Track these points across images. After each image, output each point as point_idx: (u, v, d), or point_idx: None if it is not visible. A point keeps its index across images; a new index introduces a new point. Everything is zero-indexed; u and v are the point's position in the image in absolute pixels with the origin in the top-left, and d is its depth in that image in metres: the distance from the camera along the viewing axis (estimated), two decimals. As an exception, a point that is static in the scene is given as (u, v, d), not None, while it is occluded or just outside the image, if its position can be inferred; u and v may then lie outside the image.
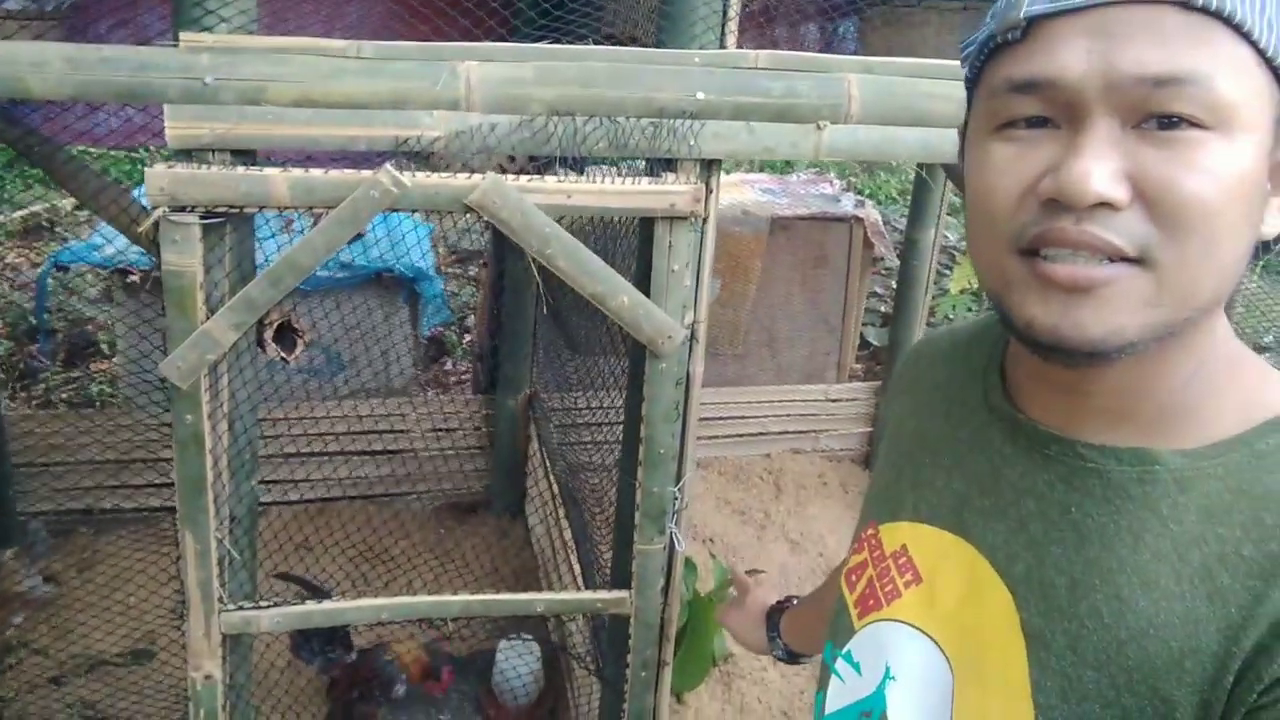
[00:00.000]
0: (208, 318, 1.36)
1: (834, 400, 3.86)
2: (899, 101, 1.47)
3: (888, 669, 0.77)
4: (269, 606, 1.55)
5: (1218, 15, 0.58)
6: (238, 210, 1.32)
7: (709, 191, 1.46)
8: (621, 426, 1.71)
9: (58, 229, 5.78)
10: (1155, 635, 0.62)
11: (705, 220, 1.47)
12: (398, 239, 3.25)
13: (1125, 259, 0.60)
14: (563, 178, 1.46)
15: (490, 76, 1.34)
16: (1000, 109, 0.65)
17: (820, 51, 3.40)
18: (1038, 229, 0.62)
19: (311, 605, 1.58)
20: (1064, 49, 0.61)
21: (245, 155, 1.34)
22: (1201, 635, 0.60)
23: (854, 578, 0.84)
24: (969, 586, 0.73)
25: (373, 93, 1.31)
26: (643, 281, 1.49)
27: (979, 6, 2.87)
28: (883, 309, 5.06)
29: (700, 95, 1.40)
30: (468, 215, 1.38)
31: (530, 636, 2.79)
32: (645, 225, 1.49)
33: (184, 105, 1.27)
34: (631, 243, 1.96)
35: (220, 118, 1.29)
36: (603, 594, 1.68)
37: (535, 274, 1.45)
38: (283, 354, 1.47)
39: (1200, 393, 0.67)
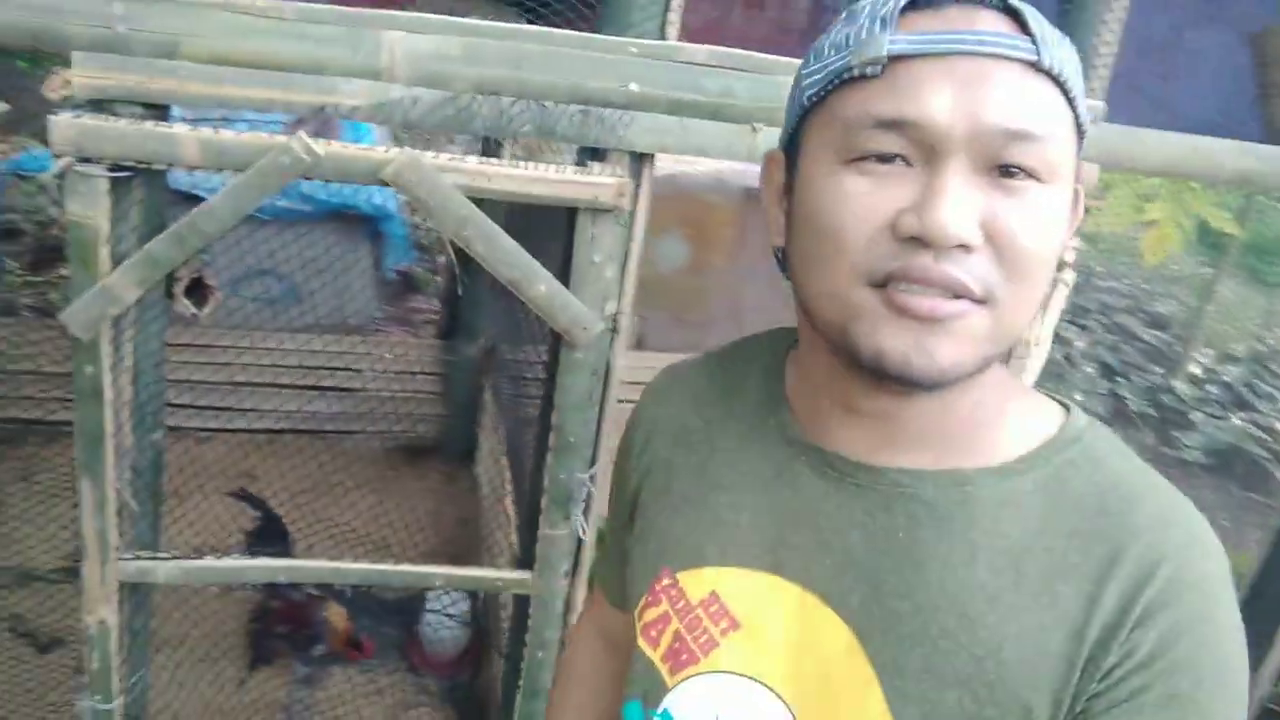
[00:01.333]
0: (112, 271, 1.33)
1: (793, 375, 3.85)
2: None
3: None
4: (167, 559, 1.55)
5: (1057, 81, 0.64)
6: (145, 166, 1.29)
7: (638, 185, 1.43)
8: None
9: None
10: (1010, 646, 0.65)
11: (633, 214, 1.44)
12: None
13: (970, 297, 0.64)
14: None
15: (416, 50, 1.30)
16: (856, 142, 0.65)
17: (810, 17, 3.35)
18: (896, 264, 0.64)
19: (210, 561, 1.58)
20: (930, 92, 0.63)
21: (158, 110, 1.30)
22: (1050, 641, 0.65)
23: (654, 632, 0.80)
24: (799, 626, 0.72)
25: (292, 56, 1.27)
26: (564, 270, 1.47)
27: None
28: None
29: (633, 87, 1.36)
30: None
31: (458, 595, 2.82)
32: (570, 214, 1.46)
33: (93, 54, 1.23)
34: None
35: (131, 69, 1.25)
36: (505, 573, 1.68)
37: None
38: (194, 309, 1.44)
39: (990, 416, 0.72)
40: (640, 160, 1.44)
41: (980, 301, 0.64)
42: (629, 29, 1.38)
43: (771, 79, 1.40)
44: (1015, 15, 0.64)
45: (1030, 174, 0.64)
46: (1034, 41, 0.63)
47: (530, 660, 1.72)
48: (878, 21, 0.65)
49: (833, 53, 0.68)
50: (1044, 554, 0.66)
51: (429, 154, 1.34)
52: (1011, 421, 0.72)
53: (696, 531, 0.79)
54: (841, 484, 0.73)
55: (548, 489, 1.58)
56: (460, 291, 3.49)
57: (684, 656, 0.77)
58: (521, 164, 1.37)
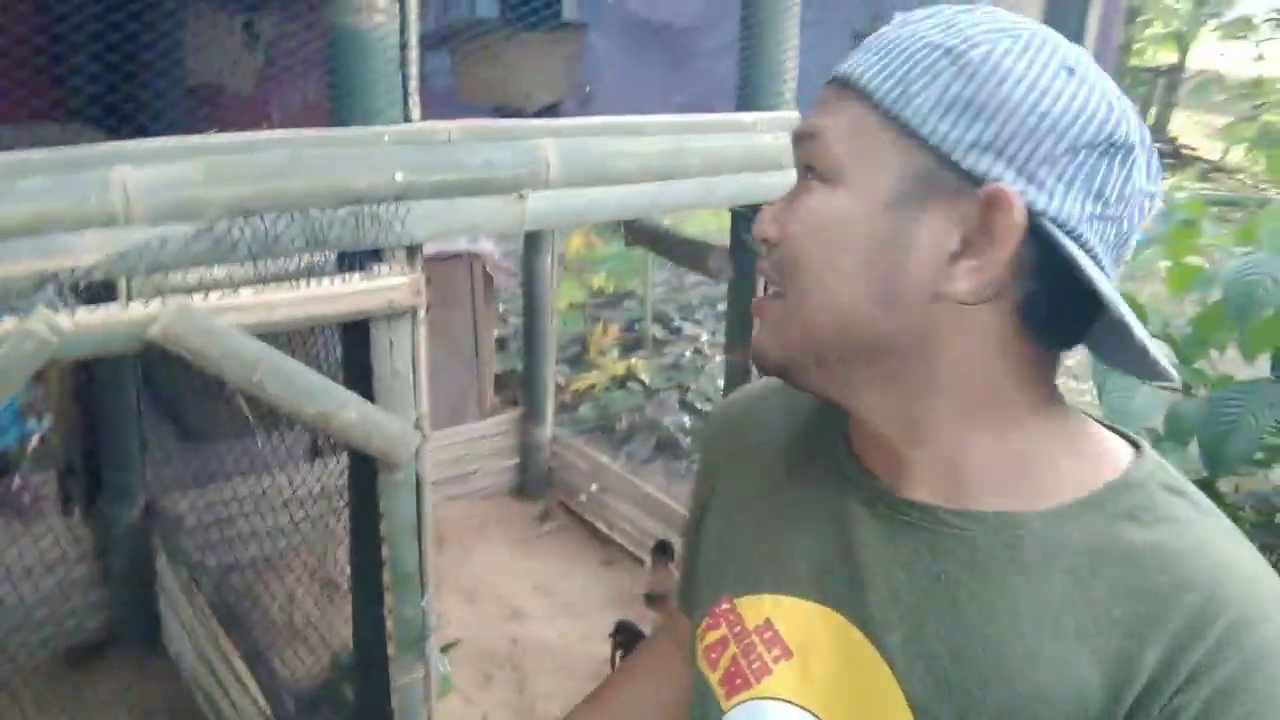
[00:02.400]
0: None
1: (481, 438, 3.78)
2: (594, 163, 1.44)
3: None
4: None
5: (849, 83, 0.67)
6: None
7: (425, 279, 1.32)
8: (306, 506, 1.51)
9: None
10: (1044, 701, 0.63)
11: (422, 312, 1.33)
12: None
13: (774, 286, 0.70)
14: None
15: (152, 181, 1.10)
16: None
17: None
18: None
19: None
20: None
21: None
22: (1087, 697, 0.62)
23: (714, 655, 0.80)
24: (844, 658, 0.72)
25: (2, 220, 1.02)
26: (357, 386, 1.32)
27: (562, 39, 2.93)
28: (497, 333, 5.06)
29: (399, 176, 1.26)
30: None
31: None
32: (354, 328, 1.32)
33: None
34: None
35: None
36: (358, 740, 1.48)
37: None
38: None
39: (1047, 453, 0.69)
40: (412, 252, 1.33)
41: (778, 293, 0.70)
42: (375, 117, 1.27)
43: (529, 143, 1.37)
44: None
45: (815, 174, 0.68)
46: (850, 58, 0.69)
47: (404, 823, 1.53)
48: None
49: None
50: (1086, 606, 0.63)
51: (197, 297, 1.14)
52: (1074, 461, 0.69)
53: (754, 558, 0.80)
54: (891, 520, 0.72)
55: (392, 634, 1.41)
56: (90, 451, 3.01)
57: (739, 681, 0.77)
58: (302, 283, 1.22)
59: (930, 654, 0.67)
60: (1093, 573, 0.64)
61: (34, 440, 3.97)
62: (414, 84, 1.31)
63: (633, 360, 5.04)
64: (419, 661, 1.43)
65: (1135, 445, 0.71)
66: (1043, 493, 0.68)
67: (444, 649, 2.64)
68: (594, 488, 3.73)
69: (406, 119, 1.31)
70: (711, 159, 1.57)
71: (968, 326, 0.66)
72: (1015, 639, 0.64)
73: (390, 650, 1.41)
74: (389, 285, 1.26)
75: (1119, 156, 0.63)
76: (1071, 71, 0.63)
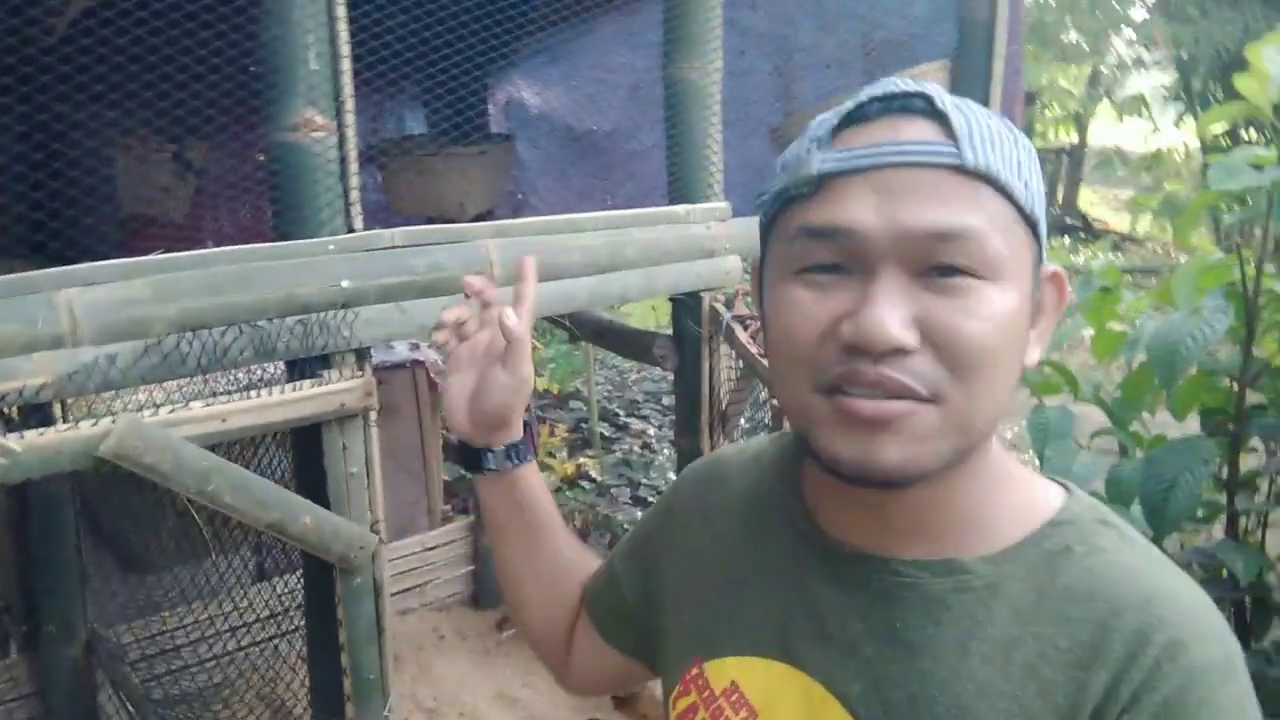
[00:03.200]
0: None
1: (431, 548, 3.73)
2: (538, 260, 1.48)
3: None
4: None
5: (986, 177, 0.65)
6: None
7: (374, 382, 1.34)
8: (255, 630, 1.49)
9: None
10: None
11: (372, 414, 1.35)
12: None
13: (916, 397, 0.65)
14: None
15: (99, 302, 1.12)
16: (799, 254, 0.68)
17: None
18: (840, 369, 0.66)
19: None
20: (855, 204, 0.66)
21: None
22: None
23: None
24: (807, 714, 0.73)
25: (-53, 347, 1.03)
26: (312, 493, 1.33)
27: (490, 150, 3.01)
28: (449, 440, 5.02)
29: (345, 284, 1.29)
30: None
31: None
32: (305, 432, 1.32)
33: None
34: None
35: None
36: None
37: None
38: None
39: (985, 502, 0.72)
40: (360, 356, 1.35)
41: (928, 400, 0.65)
42: (319, 229, 1.31)
43: (472, 244, 1.41)
44: (943, 119, 0.67)
45: (967, 272, 0.65)
46: (957, 144, 0.65)
47: None
48: (814, 142, 0.70)
49: (781, 173, 0.72)
50: (1033, 641, 0.66)
51: (147, 411, 1.15)
52: (1009, 507, 0.72)
53: (717, 622, 0.80)
54: (845, 574, 0.74)
55: (355, 743, 1.38)
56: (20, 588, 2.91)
57: None
58: (252, 392, 1.22)
59: (890, 702, 0.69)
60: (1036, 610, 0.67)
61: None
62: (355, 194, 1.35)
63: (581, 459, 5.03)
64: (385, 772, 1.40)
65: (1065, 488, 0.74)
66: (986, 537, 0.70)
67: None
68: (550, 589, 3.68)
69: (350, 229, 1.34)
70: (649, 249, 1.63)
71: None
72: (968, 678, 0.67)
73: (355, 761, 1.38)
74: (340, 389, 1.28)
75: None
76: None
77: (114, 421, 1.11)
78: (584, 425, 5.52)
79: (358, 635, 1.35)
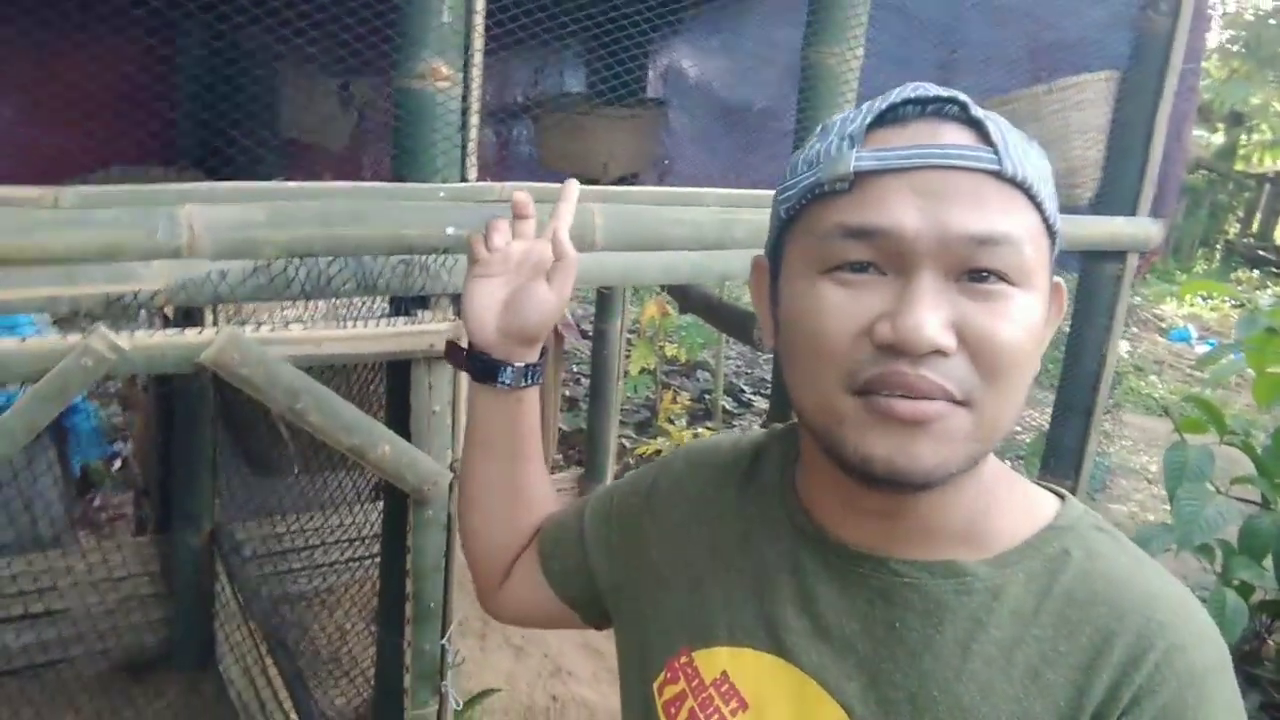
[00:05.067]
0: None
1: (539, 495, 3.84)
2: (641, 228, 1.49)
3: None
4: None
5: (1021, 186, 0.67)
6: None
7: (464, 327, 1.39)
8: (359, 545, 1.57)
9: None
10: None
11: (462, 357, 1.40)
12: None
13: (950, 399, 0.65)
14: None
15: (217, 220, 1.20)
16: (830, 252, 0.68)
17: (497, 155, 3.44)
18: (875, 370, 0.66)
19: None
20: (897, 204, 0.66)
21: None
22: None
23: (673, 710, 0.81)
24: (801, 709, 0.74)
25: (77, 246, 1.12)
26: (397, 425, 1.39)
27: (641, 115, 3.02)
28: (566, 393, 5.14)
29: (450, 231, 1.33)
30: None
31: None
32: (397, 366, 1.39)
33: None
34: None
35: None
36: (370, 769, 1.52)
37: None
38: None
39: (986, 507, 0.73)
40: (457, 301, 1.40)
41: (960, 403, 0.65)
42: (433, 175, 1.35)
43: (581, 207, 1.43)
44: (978, 126, 0.68)
45: (1001, 277, 0.66)
46: (996, 151, 0.66)
47: None
48: (846, 139, 0.69)
49: (805, 169, 0.71)
50: (1034, 643, 0.68)
51: (248, 328, 1.23)
52: (1009, 512, 0.74)
53: (708, 611, 0.81)
54: (844, 573, 0.75)
55: (410, 666, 1.46)
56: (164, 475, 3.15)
57: None
58: (348, 323, 1.29)
59: (888, 701, 0.70)
60: (1036, 612, 0.69)
61: (117, 462, 4.17)
62: (472, 145, 1.39)
63: (700, 429, 5.06)
64: (434, 696, 1.47)
65: (1060, 495, 0.77)
66: (986, 542, 0.72)
67: (480, 696, 2.67)
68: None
69: (463, 179, 1.39)
70: (759, 232, 1.62)
71: None
72: (970, 680, 0.68)
73: (406, 682, 1.45)
74: (431, 330, 1.33)
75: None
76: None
77: (217, 333, 1.19)
78: (707, 396, 5.53)
79: (423, 565, 1.42)
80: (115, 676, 3.11)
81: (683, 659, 0.81)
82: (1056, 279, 0.72)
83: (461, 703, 1.42)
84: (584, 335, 4.69)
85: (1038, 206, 0.68)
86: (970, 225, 0.65)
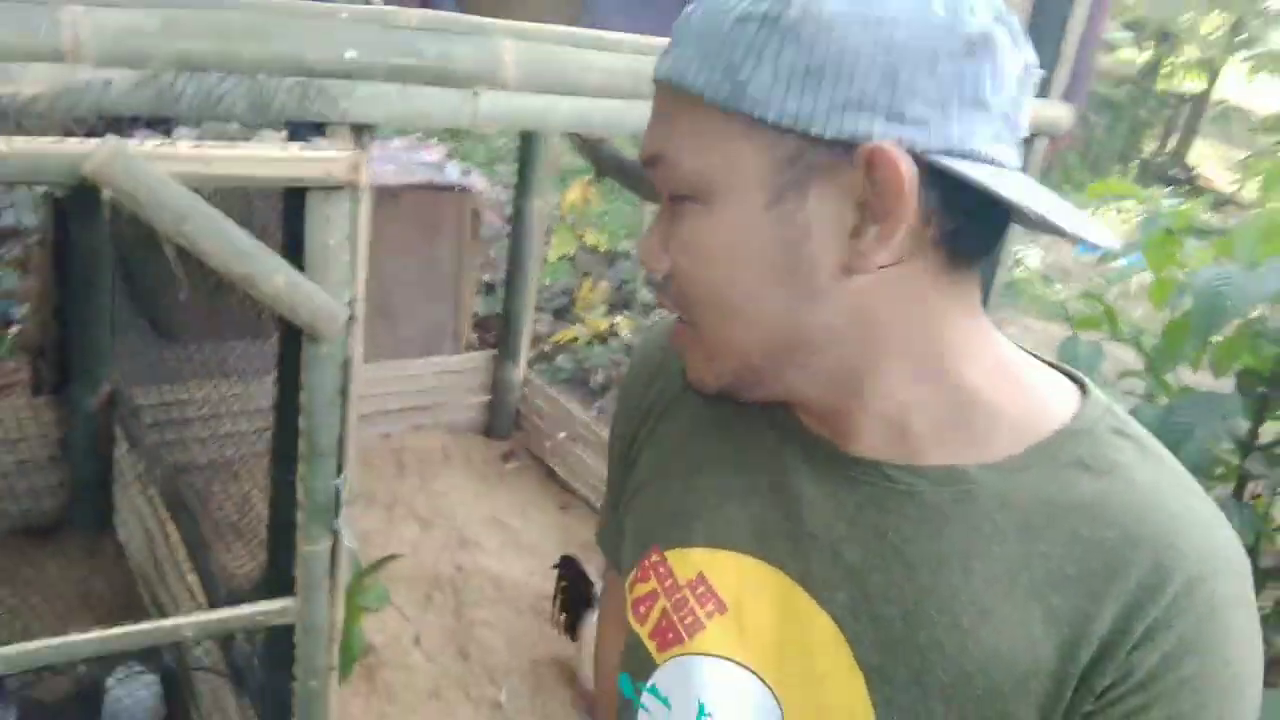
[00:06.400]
0: None
1: (453, 372, 3.82)
2: (555, 69, 1.46)
3: (701, 706, 0.72)
4: None
5: (688, 89, 0.60)
6: None
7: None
8: (269, 415, 1.55)
9: None
10: (999, 662, 0.61)
11: (361, 189, 1.36)
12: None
13: (681, 319, 0.68)
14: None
15: (104, 24, 1.13)
16: None
17: (419, 6, 3.32)
18: None
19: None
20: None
21: None
22: (1041, 656, 0.61)
23: (643, 609, 0.77)
24: (784, 615, 0.70)
25: (-54, 39, 1.05)
26: (292, 258, 1.36)
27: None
28: (486, 278, 5.09)
29: (350, 54, 1.28)
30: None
31: (140, 666, 2.49)
32: (292, 196, 1.35)
33: None
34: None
35: None
36: (264, 605, 1.52)
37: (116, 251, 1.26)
38: None
39: (988, 400, 0.66)
40: (360, 133, 1.36)
41: (690, 323, 0.67)
42: (338, -3, 1.30)
43: (489, 41, 1.39)
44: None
45: (686, 197, 0.62)
46: (669, 54, 0.62)
47: (303, 694, 1.58)
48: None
49: None
50: (1041, 561, 0.62)
51: (134, 142, 1.17)
52: (1019, 407, 0.66)
53: (685, 510, 0.76)
54: (831, 474, 0.69)
55: (302, 502, 1.45)
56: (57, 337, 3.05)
57: (670, 635, 0.75)
58: (240, 144, 1.25)
59: (880, 615, 0.65)
60: (1045, 527, 0.62)
61: (13, 329, 4.03)
62: (381, -32, 1.33)
63: (618, 318, 5.07)
64: (326, 534, 1.47)
65: (1079, 383, 0.69)
66: (991, 443, 0.65)
67: (383, 561, 2.69)
68: (561, 435, 3.77)
69: (369, 1, 1.34)
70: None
71: (896, 289, 0.62)
72: (968, 598, 0.62)
73: (299, 518, 1.45)
74: (327, 157, 1.29)
75: (980, 50, 0.57)
76: None
77: (100, 144, 1.14)
78: (626, 285, 5.53)
79: (317, 402, 1.40)
80: (12, 538, 3.05)
81: (654, 557, 0.77)
82: (871, 145, 0.58)
83: (351, 540, 1.42)
84: (506, 221, 4.63)
85: (701, 100, 0.60)
86: (644, 146, 0.64)
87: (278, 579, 1.54)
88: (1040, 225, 0.61)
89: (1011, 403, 0.66)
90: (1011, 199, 0.58)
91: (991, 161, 0.60)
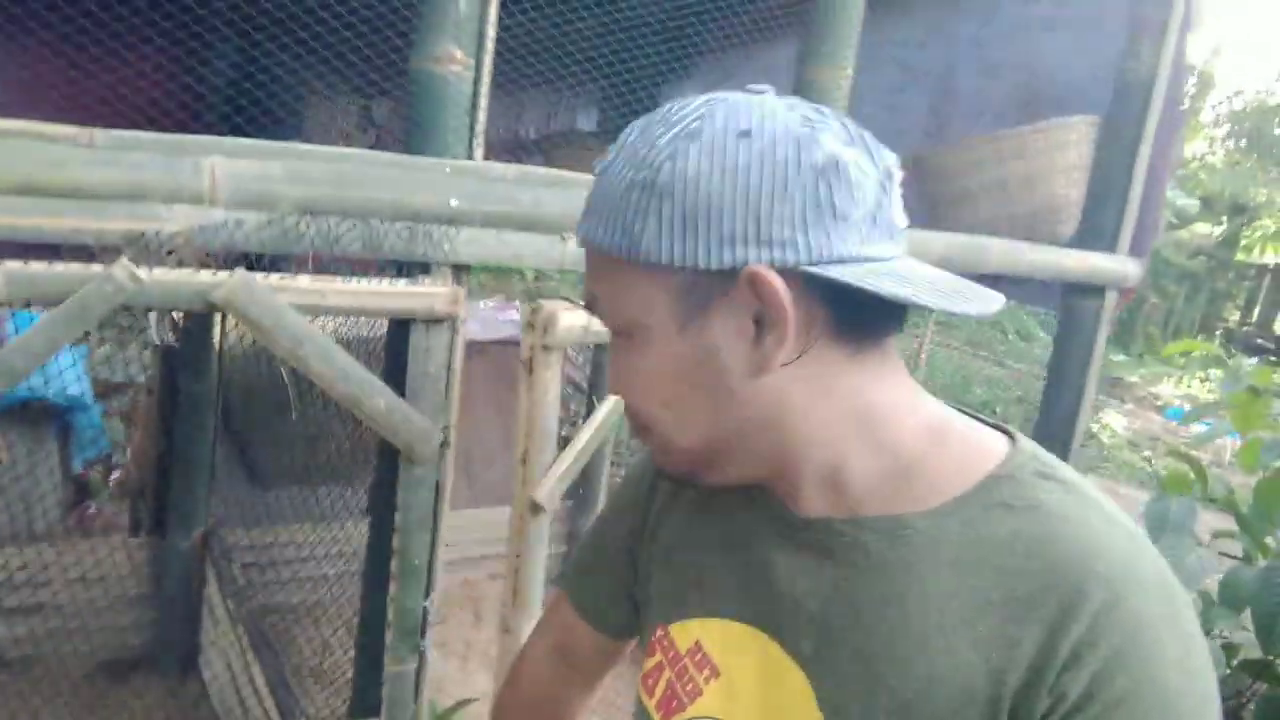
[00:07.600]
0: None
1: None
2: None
3: None
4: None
5: (596, 247, 0.72)
6: (-68, 307, 1.15)
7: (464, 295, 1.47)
8: (353, 559, 1.62)
9: None
10: (936, 690, 0.66)
11: (459, 322, 1.47)
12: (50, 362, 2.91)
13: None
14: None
15: (237, 172, 1.28)
16: None
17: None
18: None
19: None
20: None
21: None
22: (974, 682, 0.65)
23: (651, 681, 0.84)
24: (763, 671, 0.76)
25: (106, 183, 1.20)
26: (393, 383, 1.46)
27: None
28: (564, 433, 5.18)
29: (454, 202, 1.42)
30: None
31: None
32: (397, 328, 1.46)
33: None
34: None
35: (-84, 202, 1.13)
36: (348, 726, 1.56)
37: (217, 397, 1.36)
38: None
39: (921, 455, 0.73)
40: (459, 272, 1.48)
41: (645, 426, 0.77)
42: (442, 152, 1.45)
43: (580, 191, 1.52)
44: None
45: (618, 331, 0.74)
46: (583, 217, 0.74)
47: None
48: None
49: None
50: (969, 595, 0.67)
51: (259, 275, 1.30)
52: (950, 459, 0.73)
53: (681, 586, 0.85)
54: (793, 537, 0.77)
55: (392, 622, 1.50)
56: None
57: (674, 704, 0.82)
58: (354, 280, 1.37)
59: (835, 657, 0.71)
60: (974, 563, 0.68)
61: (115, 474, 4.22)
62: (480, 127, 1.48)
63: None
64: (413, 654, 1.51)
65: (1009, 435, 0.75)
66: (924, 493, 0.71)
67: (460, 705, 2.68)
68: (635, 587, 3.74)
69: (469, 157, 1.48)
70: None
71: (805, 378, 0.71)
72: (906, 632, 0.68)
73: (388, 638, 1.50)
74: (429, 292, 1.41)
75: (829, 173, 0.66)
76: (748, 134, 0.66)
77: (230, 275, 1.27)
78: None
79: (410, 522, 1.47)
80: (97, 676, 3.12)
81: (658, 633, 0.85)
82: (746, 272, 0.67)
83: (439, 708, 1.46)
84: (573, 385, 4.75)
85: (632, 255, 0.69)
86: (583, 295, 0.77)
87: (363, 703, 1.58)
88: (918, 306, 0.68)
89: (941, 456, 0.73)
90: (879, 291, 0.66)
91: (865, 259, 0.68)
